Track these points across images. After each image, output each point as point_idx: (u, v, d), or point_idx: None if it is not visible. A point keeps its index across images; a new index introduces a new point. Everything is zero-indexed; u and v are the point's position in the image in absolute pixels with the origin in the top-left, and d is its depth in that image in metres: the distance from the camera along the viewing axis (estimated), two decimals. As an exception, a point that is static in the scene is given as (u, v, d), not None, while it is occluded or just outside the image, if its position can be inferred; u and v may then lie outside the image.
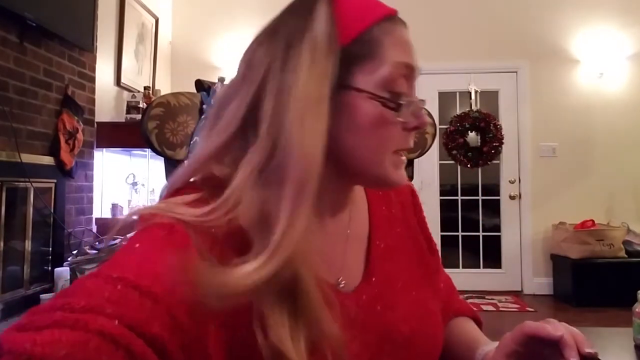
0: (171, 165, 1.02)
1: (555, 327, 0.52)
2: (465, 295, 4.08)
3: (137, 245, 0.45)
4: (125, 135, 3.32)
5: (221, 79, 1.07)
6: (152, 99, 3.69)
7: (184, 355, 0.40)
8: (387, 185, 0.58)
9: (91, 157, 3.15)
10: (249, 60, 0.53)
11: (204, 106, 1.03)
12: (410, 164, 1.11)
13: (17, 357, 0.33)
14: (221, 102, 0.54)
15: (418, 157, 1.10)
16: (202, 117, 1.00)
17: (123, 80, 3.71)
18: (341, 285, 0.57)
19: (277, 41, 0.51)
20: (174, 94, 0.99)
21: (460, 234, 4.53)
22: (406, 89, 0.54)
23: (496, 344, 0.60)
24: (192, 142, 1.01)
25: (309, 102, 0.47)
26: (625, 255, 3.95)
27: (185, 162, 0.53)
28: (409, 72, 0.54)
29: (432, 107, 4.53)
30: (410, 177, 1.10)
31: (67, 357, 0.33)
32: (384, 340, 0.57)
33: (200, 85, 1.05)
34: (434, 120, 1.12)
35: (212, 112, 0.55)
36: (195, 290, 0.40)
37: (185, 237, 0.45)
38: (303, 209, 0.45)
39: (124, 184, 3.64)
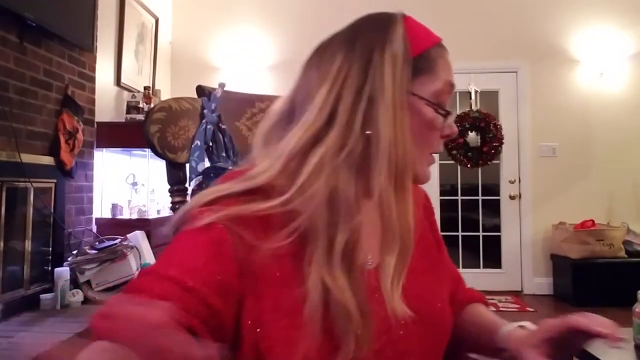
0: (173, 167, 1.04)
1: (599, 323, 0.59)
2: (465, 295, 4.07)
3: (180, 243, 0.56)
4: (125, 135, 3.32)
5: (221, 85, 1.09)
6: (152, 99, 3.71)
7: (213, 339, 0.50)
8: (420, 180, 0.67)
9: (91, 157, 3.15)
10: (322, 63, 0.61)
11: (205, 111, 1.05)
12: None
13: (99, 338, 0.44)
14: (293, 98, 0.63)
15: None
16: (203, 121, 1.03)
17: (123, 80, 3.71)
18: (369, 264, 0.63)
19: (355, 50, 0.60)
20: (175, 99, 1.02)
21: (460, 234, 4.53)
22: (446, 103, 0.66)
23: (515, 325, 0.67)
24: (193, 146, 1.04)
25: (396, 103, 0.58)
26: (625, 255, 3.95)
27: (270, 157, 0.59)
28: (450, 89, 0.65)
29: (432, 107, 4.53)
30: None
31: (132, 340, 0.43)
32: None
33: (201, 90, 1.08)
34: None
35: (282, 108, 0.64)
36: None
37: (222, 232, 0.54)
38: (405, 196, 0.58)
39: (124, 184, 3.64)
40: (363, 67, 0.59)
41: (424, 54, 0.63)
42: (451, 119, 0.65)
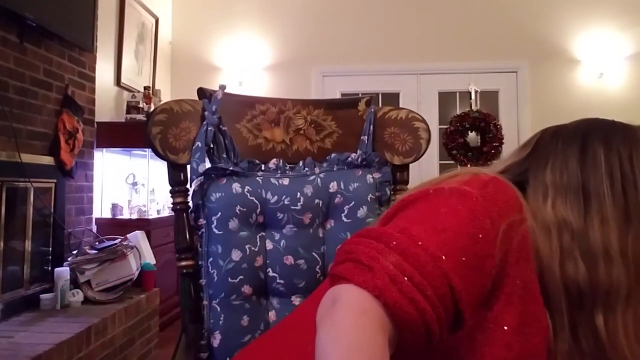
0: (174, 168, 1.04)
1: None
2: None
3: (454, 222, 0.58)
4: (125, 135, 3.32)
5: (222, 87, 1.09)
6: (152, 100, 3.71)
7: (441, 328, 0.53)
8: None
9: (91, 157, 3.15)
10: (586, 159, 0.73)
11: (206, 113, 1.05)
12: (405, 168, 1.15)
13: (362, 291, 0.49)
14: (583, 182, 0.72)
15: (413, 161, 1.15)
16: (204, 123, 1.05)
17: (123, 80, 3.71)
18: None
19: (613, 148, 0.72)
20: (176, 101, 1.03)
21: (460, 234, 4.52)
22: None
23: None
24: (194, 147, 1.02)
25: None
26: (625, 256, 3.94)
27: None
28: None
29: (432, 107, 4.53)
30: (406, 182, 1.15)
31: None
32: None
33: (202, 92, 1.08)
34: (427, 126, 1.16)
35: (517, 168, 0.76)
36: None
37: (494, 231, 0.58)
38: None
39: (124, 184, 3.64)
40: (628, 163, 0.70)
41: None
42: None
